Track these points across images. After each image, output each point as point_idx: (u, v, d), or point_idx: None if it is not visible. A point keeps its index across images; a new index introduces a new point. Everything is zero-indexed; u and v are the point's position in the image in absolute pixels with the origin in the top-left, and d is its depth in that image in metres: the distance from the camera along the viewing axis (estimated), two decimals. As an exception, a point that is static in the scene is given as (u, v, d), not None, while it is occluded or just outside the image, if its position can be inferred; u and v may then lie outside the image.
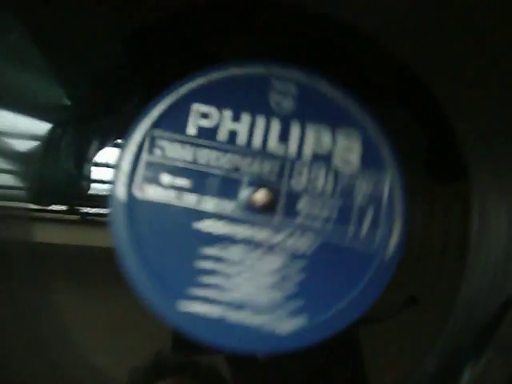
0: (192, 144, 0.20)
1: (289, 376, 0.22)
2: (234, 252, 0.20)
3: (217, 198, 0.20)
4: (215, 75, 0.20)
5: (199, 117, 0.20)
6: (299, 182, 0.21)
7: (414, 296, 0.21)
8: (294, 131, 0.21)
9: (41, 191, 0.22)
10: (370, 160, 0.21)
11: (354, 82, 0.21)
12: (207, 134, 0.20)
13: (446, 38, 0.22)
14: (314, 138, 0.21)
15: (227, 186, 0.20)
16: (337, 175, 0.21)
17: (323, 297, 0.20)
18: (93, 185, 0.23)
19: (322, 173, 0.21)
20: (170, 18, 0.22)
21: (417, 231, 0.21)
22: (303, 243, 0.20)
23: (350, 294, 0.20)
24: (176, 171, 0.20)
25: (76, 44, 0.22)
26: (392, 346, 0.21)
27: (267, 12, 0.22)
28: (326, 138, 0.21)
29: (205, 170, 0.20)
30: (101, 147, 0.22)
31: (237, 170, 0.20)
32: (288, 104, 0.21)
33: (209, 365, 0.21)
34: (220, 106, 0.20)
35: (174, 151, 0.20)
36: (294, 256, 0.20)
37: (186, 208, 0.20)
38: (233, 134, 0.20)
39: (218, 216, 0.20)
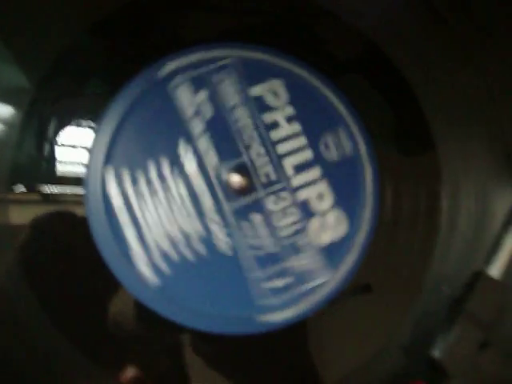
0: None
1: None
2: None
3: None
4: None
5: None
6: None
7: (368, 284, 0.22)
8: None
9: (3, 175, 0.22)
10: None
11: (319, 60, 0.22)
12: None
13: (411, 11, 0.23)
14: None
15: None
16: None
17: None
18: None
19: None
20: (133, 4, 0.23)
21: (387, 207, 0.22)
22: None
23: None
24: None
25: (35, 26, 0.23)
26: (366, 319, 0.22)
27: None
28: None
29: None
30: (63, 128, 0.23)
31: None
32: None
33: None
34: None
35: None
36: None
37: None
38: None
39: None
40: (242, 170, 0.21)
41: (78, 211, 0.22)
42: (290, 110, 0.22)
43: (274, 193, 0.22)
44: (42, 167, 0.22)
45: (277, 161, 0.22)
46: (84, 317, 0.22)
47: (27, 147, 0.22)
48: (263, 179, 0.22)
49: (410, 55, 0.24)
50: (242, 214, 0.22)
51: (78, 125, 0.22)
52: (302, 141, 0.22)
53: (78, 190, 0.22)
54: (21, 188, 0.22)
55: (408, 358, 0.22)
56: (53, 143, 0.22)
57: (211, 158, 0.22)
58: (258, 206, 0.22)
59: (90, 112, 0.22)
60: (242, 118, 0.22)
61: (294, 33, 0.24)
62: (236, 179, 0.21)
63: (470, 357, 0.21)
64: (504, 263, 0.21)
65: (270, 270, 0.22)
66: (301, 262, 0.22)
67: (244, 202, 0.22)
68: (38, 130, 0.22)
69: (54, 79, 0.22)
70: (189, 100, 0.22)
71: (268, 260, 0.22)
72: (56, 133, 0.22)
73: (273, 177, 0.22)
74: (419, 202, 0.23)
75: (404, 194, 0.23)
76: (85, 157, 0.22)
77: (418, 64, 0.24)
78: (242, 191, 0.22)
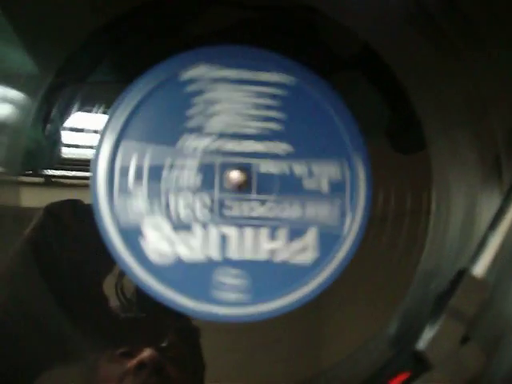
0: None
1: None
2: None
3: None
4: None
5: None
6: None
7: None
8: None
9: (13, 160, 0.23)
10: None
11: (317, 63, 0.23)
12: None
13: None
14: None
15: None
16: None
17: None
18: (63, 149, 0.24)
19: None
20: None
21: (378, 205, 0.24)
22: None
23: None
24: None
25: (47, 13, 0.23)
26: (354, 312, 0.23)
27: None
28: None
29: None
30: (70, 114, 0.24)
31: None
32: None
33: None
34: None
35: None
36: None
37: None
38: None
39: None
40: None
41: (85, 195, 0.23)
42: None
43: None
44: (51, 152, 0.23)
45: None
46: (87, 297, 0.23)
47: (38, 132, 0.23)
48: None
49: (404, 57, 0.25)
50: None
51: (88, 110, 0.23)
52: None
53: (84, 174, 0.23)
54: (30, 172, 0.23)
55: (394, 350, 0.23)
56: (60, 128, 0.23)
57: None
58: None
59: (99, 99, 0.23)
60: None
61: (293, 35, 0.25)
62: (235, 175, 0.22)
63: (451, 349, 0.22)
64: (487, 263, 0.22)
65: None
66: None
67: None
68: (48, 116, 0.23)
69: (67, 68, 0.23)
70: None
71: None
72: (65, 118, 0.23)
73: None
74: (410, 200, 0.24)
75: (395, 193, 0.24)
76: (93, 140, 0.23)
77: (411, 65, 0.25)
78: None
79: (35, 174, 0.23)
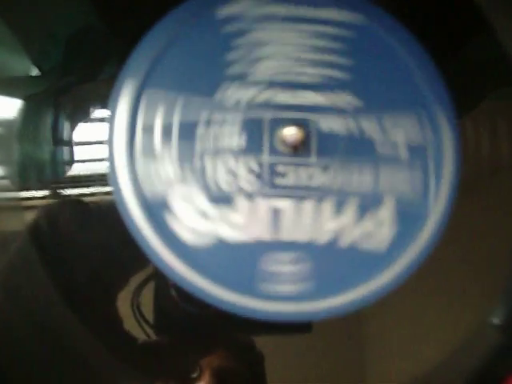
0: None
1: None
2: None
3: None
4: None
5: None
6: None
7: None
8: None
9: (23, 175, 0.21)
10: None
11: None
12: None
13: None
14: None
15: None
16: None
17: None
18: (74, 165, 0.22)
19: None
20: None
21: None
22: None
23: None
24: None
25: (40, 9, 0.21)
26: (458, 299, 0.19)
27: None
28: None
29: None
30: (80, 119, 0.21)
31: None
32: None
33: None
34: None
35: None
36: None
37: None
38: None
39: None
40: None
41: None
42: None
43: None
44: (60, 165, 0.21)
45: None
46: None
47: (43, 143, 0.21)
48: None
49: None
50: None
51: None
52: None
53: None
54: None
55: (505, 339, 0.19)
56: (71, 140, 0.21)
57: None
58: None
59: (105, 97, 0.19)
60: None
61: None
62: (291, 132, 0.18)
63: None
64: None
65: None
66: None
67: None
68: (52, 123, 0.21)
69: (66, 65, 0.21)
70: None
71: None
72: (73, 124, 0.21)
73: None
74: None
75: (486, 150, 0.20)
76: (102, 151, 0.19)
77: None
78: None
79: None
